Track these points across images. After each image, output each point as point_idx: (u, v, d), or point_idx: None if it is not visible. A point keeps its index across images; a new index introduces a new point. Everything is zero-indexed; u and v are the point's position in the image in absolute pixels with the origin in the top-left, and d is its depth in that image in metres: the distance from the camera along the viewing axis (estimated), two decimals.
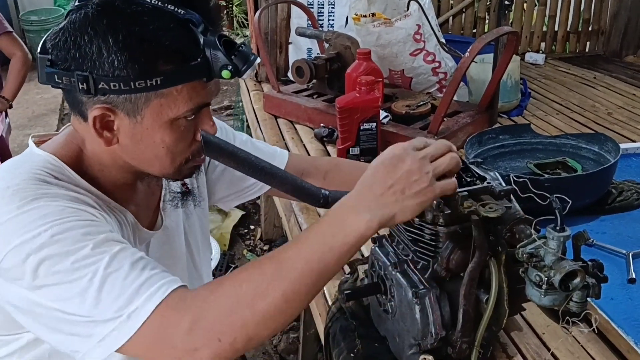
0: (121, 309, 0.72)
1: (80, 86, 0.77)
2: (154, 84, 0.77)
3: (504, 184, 0.90)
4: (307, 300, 0.77)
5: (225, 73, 0.79)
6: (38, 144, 0.90)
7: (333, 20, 2.39)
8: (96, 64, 0.76)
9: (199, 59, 0.78)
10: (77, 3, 0.79)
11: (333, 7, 2.38)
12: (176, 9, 0.78)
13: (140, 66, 0.76)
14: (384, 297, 0.97)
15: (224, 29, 0.96)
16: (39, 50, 0.80)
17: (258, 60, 0.84)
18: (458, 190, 0.85)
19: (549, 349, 1.01)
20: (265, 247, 3.03)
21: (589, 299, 0.85)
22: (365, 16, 2.11)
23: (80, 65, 0.77)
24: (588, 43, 3.27)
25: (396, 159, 0.76)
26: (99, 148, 0.86)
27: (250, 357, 2.37)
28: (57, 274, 0.73)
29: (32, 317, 0.76)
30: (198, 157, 0.90)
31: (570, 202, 0.80)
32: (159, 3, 0.77)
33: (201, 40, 0.78)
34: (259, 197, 1.64)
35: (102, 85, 0.77)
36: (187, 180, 1.02)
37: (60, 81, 0.79)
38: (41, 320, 0.76)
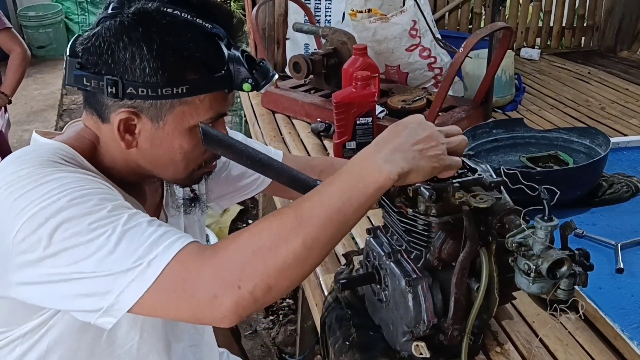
0: (141, 257, 0.72)
1: (109, 90, 0.81)
2: (180, 92, 0.81)
3: (494, 176, 0.93)
4: (326, 250, 0.77)
5: (246, 86, 0.84)
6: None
7: (330, 16, 2.41)
8: (128, 69, 0.80)
9: (223, 72, 0.83)
10: (110, 11, 0.82)
11: (330, 3, 2.41)
12: (204, 23, 0.82)
13: (169, 74, 0.80)
14: (378, 286, 1.00)
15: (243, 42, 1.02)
16: (67, 53, 0.83)
17: (276, 76, 0.89)
18: (450, 182, 0.88)
19: (541, 339, 1.04)
20: None
21: (577, 287, 0.88)
22: (361, 12, 2.13)
23: (112, 70, 0.80)
24: (583, 38, 3.30)
25: (419, 124, 0.83)
26: (116, 149, 0.88)
27: (249, 349, 2.40)
28: (73, 237, 0.73)
29: (47, 290, 0.75)
30: (210, 163, 0.94)
31: (559, 192, 0.82)
32: (189, 17, 0.82)
33: (226, 54, 0.83)
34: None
35: (131, 90, 0.80)
36: (195, 187, 1.04)
37: (88, 84, 0.82)
38: (57, 290, 0.75)
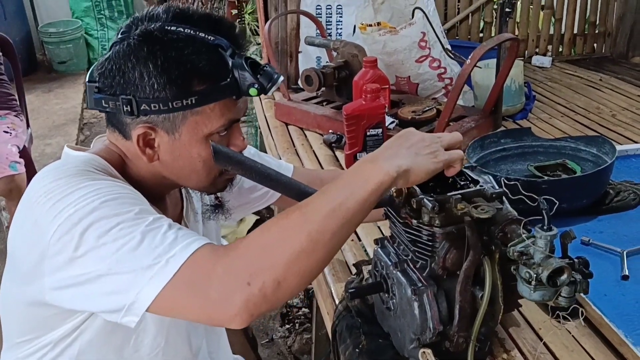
0: (160, 255, 0.77)
1: (125, 108, 0.87)
2: (190, 103, 0.86)
3: (496, 187, 0.96)
4: (331, 244, 0.80)
5: (252, 91, 0.88)
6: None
7: (341, 29, 2.45)
8: (138, 87, 0.86)
9: (228, 79, 0.87)
10: (119, 36, 0.89)
11: (341, 17, 2.45)
12: (207, 36, 0.87)
13: (177, 87, 0.85)
14: (386, 295, 1.03)
15: (249, 51, 1.07)
16: (87, 79, 0.90)
17: (281, 79, 0.92)
18: (452, 193, 0.92)
19: (545, 343, 1.06)
20: None
21: (581, 294, 0.90)
22: (371, 25, 2.17)
23: (125, 89, 0.86)
24: (595, 45, 3.29)
25: (409, 132, 0.90)
26: (141, 163, 0.94)
27: (266, 358, 2.44)
28: (102, 237, 0.78)
29: (77, 292, 0.81)
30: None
31: (557, 202, 0.85)
32: (192, 32, 0.87)
33: (229, 62, 0.87)
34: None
35: (144, 106, 0.86)
36: (219, 193, 1.08)
37: (107, 105, 0.88)
38: (85, 291, 0.80)
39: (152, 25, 0.87)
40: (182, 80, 0.85)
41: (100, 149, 0.97)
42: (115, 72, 0.87)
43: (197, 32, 0.87)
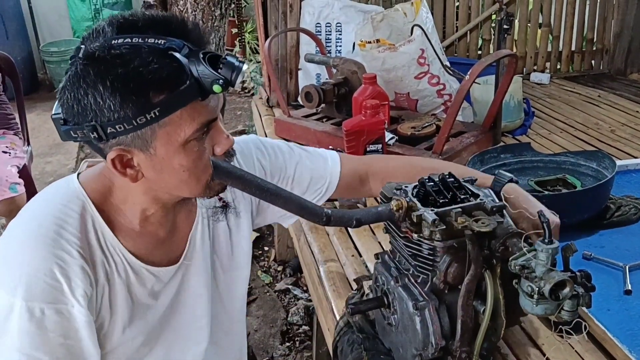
0: None
1: (92, 136, 0.83)
2: (154, 116, 0.81)
3: (497, 201, 0.96)
4: None
5: (216, 88, 0.82)
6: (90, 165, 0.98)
7: (340, 46, 2.47)
8: (97, 112, 0.81)
9: (187, 82, 0.82)
10: (70, 60, 0.85)
11: (340, 34, 2.47)
12: (156, 41, 0.81)
13: (134, 104, 0.80)
14: (387, 310, 1.03)
15: (210, 46, 0.96)
16: (52, 112, 0.86)
17: (245, 66, 0.86)
18: (452, 207, 0.92)
19: (548, 359, 1.05)
20: (279, 268, 3.09)
21: (584, 309, 0.89)
22: (370, 42, 2.18)
23: (86, 117, 0.82)
24: (593, 62, 3.32)
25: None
26: (130, 185, 0.91)
27: None
28: None
29: None
30: None
31: (557, 215, 0.85)
32: (139, 40, 0.81)
33: (185, 64, 0.81)
34: None
35: (110, 129, 0.82)
36: (222, 195, 1.04)
37: (76, 135, 0.85)
38: None
39: (95, 44, 0.81)
40: (137, 96, 0.80)
41: (95, 174, 0.96)
42: (72, 101, 0.82)
43: (146, 39, 0.81)
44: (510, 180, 1.05)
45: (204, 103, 0.85)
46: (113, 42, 0.81)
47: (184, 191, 0.93)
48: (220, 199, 1.07)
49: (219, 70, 0.82)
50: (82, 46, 0.83)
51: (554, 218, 1.00)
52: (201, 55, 0.82)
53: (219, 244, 1.10)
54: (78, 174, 0.98)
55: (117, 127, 0.81)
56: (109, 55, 0.80)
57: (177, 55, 0.81)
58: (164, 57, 0.80)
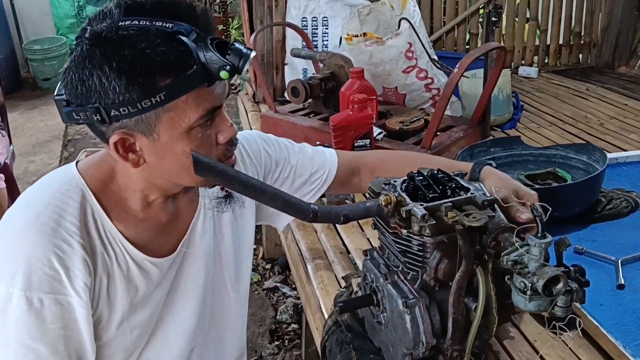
0: None
1: (95, 118, 0.81)
2: (159, 100, 0.80)
3: (487, 194, 0.94)
4: None
5: (223, 74, 0.81)
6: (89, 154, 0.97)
7: (327, 41, 2.44)
8: (101, 94, 0.80)
9: (195, 67, 0.80)
10: (75, 41, 0.83)
11: (327, 28, 2.44)
12: (164, 24, 0.80)
13: (140, 87, 0.79)
14: (376, 308, 1.00)
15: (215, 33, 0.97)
16: (55, 93, 0.84)
17: (253, 53, 0.84)
18: (442, 201, 0.89)
19: (541, 356, 1.03)
20: (268, 266, 3.06)
21: (577, 304, 0.87)
22: (357, 36, 2.15)
23: (90, 98, 0.81)
24: (580, 55, 3.32)
25: None
26: (131, 172, 0.89)
27: None
28: None
29: None
30: (225, 159, 0.92)
31: (550, 209, 0.83)
32: (147, 22, 0.79)
33: (193, 48, 0.80)
34: None
35: (114, 112, 0.80)
36: None
37: (78, 117, 0.83)
38: None
39: (101, 25, 0.80)
40: (143, 79, 0.79)
41: (95, 161, 0.94)
42: (76, 82, 0.80)
43: (154, 22, 0.79)
44: (489, 165, 1.08)
45: (209, 89, 0.84)
46: (120, 23, 0.79)
47: (184, 178, 0.91)
48: (222, 188, 1.04)
49: (227, 57, 0.81)
50: (88, 27, 0.81)
51: (530, 191, 1.00)
52: (209, 41, 0.81)
53: (222, 235, 1.08)
54: (77, 162, 0.95)
55: (121, 109, 0.80)
56: (116, 36, 0.78)
57: (185, 39, 0.80)
58: (171, 40, 0.79)
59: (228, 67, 0.81)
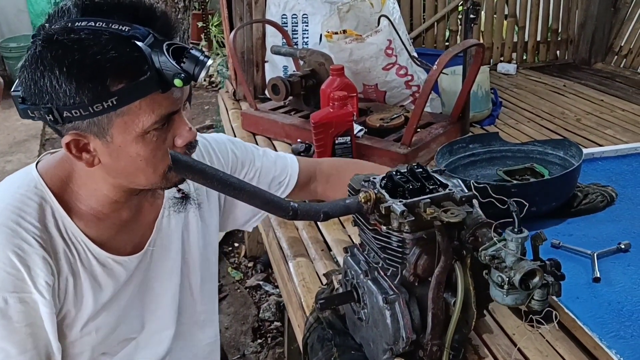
0: None
1: (48, 118, 0.81)
2: (111, 104, 0.79)
3: (466, 191, 0.95)
4: None
5: (177, 82, 0.80)
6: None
7: (307, 38, 2.44)
8: (53, 95, 0.79)
9: (148, 73, 0.79)
10: (32, 39, 0.82)
11: (307, 26, 2.43)
12: (120, 27, 0.78)
13: (90, 91, 0.78)
14: (357, 304, 1.00)
15: (178, 37, 0.91)
16: (12, 89, 0.84)
17: (210, 61, 0.83)
18: (421, 197, 0.90)
19: (519, 349, 1.05)
20: (250, 264, 3.05)
21: (554, 297, 0.88)
22: (337, 33, 2.16)
23: (42, 98, 0.80)
24: (558, 52, 3.36)
25: None
26: (90, 172, 0.89)
27: None
28: None
29: None
30: None
31: (527, 204, 0.84)
32: (102, 24, 0.78)
33: (147, 54, 0.78)
34: None
35: (66, 114, 0.80)
36: (182, 186, 1.02)
37: (33, 115, 0.82)
38: None
39: (55, 26, 0.79)
40: (93, 83, 0.77)
41: (56, 160, 0.93)
42: (29, 82, 0.80)
43: (110, 25, 0.78)
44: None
45: (165, 95, 0.82)
46: (75, 24, 0.78)
47: (140, 180, 0.91)
48: (179, 190, 1.04)
49: (182, 64, 0.80)
50: (46, 24, 0.81)
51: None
52: (165, 46, 0.80)
53: (188, 233, 1.09)
54: (37, 163, 0.95)
55: (72, 112, 0.79)
56: (67, 40, 0.77)
57: (140, 44, 0.78)
58: (125, 45, 0.78)
59: (182, 75, 0.80)
